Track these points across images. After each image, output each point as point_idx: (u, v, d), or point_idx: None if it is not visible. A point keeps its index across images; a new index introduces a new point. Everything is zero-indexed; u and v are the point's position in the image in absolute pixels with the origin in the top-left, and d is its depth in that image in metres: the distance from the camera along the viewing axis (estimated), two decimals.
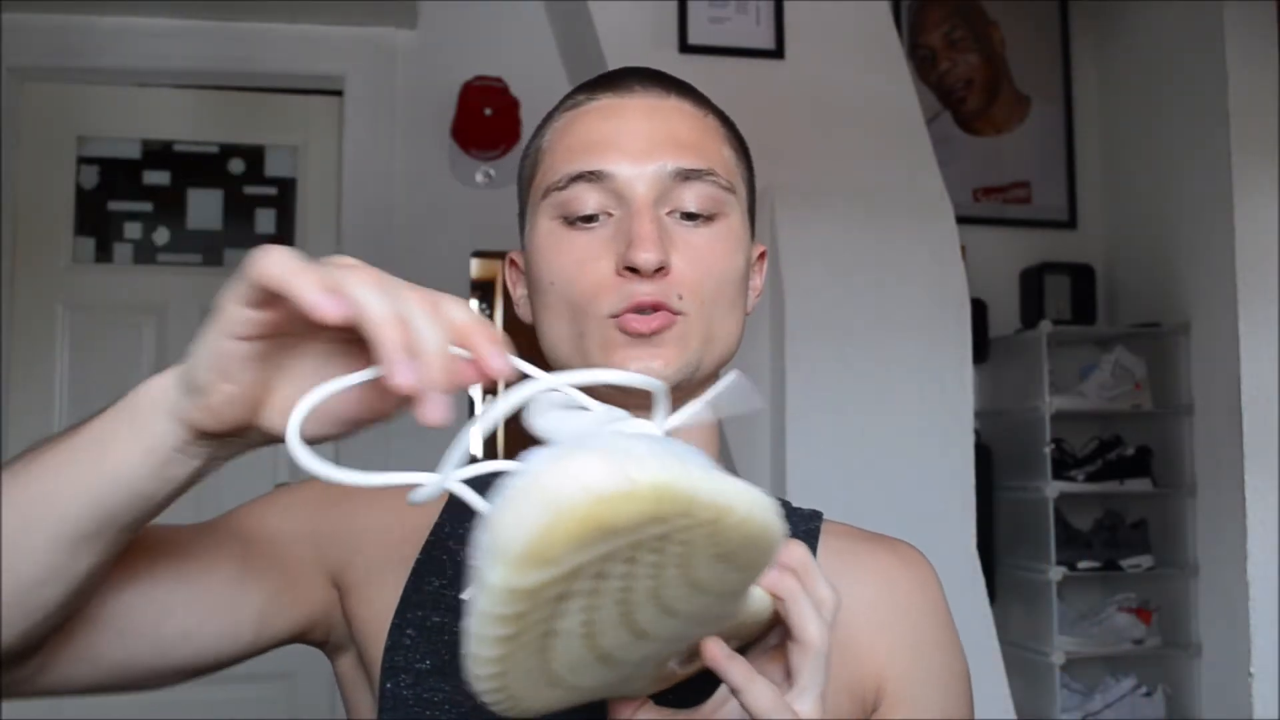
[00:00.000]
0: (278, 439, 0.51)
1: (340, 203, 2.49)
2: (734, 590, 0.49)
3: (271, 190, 2.60)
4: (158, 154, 2.57)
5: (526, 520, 0.36)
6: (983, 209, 2.71)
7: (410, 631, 0.70)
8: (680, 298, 0.67)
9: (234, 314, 0.47)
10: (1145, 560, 2.45)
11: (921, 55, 2.74)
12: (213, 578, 0.66)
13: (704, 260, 0.68)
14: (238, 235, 2.59)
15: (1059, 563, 2.35)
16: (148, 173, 2.57)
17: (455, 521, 0.75)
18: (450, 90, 2.40)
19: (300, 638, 0.73)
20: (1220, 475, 2.29)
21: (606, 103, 0.71)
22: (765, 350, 1.95)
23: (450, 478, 0.44)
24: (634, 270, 0.65)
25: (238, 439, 0.53)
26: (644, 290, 0.65)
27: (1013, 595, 2.52)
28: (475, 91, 2.37)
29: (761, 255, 0.78)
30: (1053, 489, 2.36)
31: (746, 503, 0.41)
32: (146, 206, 2.56)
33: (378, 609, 0.71)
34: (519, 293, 0.76)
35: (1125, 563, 2.44)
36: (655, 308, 0.66)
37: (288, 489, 0.76)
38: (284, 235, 2.59)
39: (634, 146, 0.68)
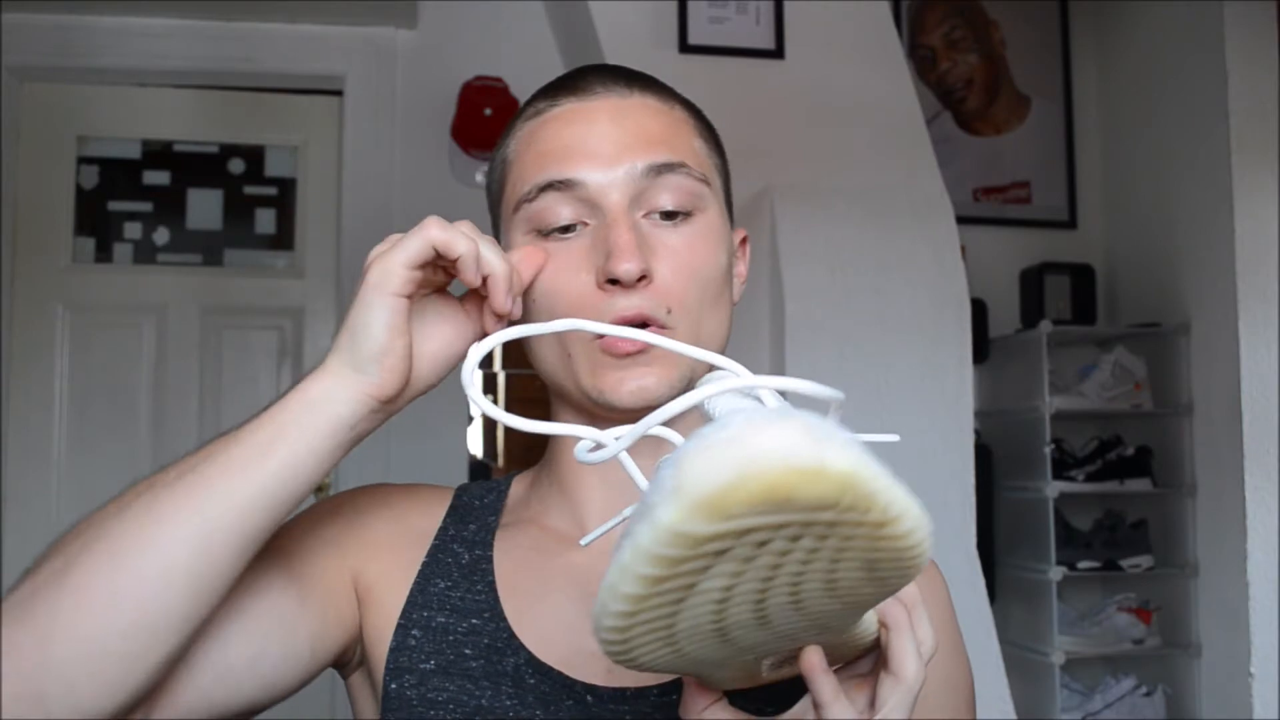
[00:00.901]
0: (424, 391, 0.64)
1: (340, 203, 2.49)
2: (863, 603, 0.48)
3: (271, 190, 2.60)
4: (158, 154, 2.57)
5: (718, 469, 0.36)
6: (983, 209, 2.71)
7: (415, 633, 0.69)
8: (669, 311, 0.66)
9: (401, 274, 0.58)
10: (1145, 560, 2.45)
11: (921, 55, 2.74)
12: (267, 601, 0.65)
13: (686, 263, 0.67)
14: (238, 235, 2.59)
15: (1059, 563, 2.35)
16: (148, 173, 2.57)
17: (458, 525, 0.75)
18: (450, 90, 2.40)
19: (342, 654, 0.72)
20: (1220, 475, 2.29)
21: (569, 108, 0.69)
22: (765, 350, 1.95)
23: (620, 444, 0.47)
24: (615, 282, 0.64)
25: (397, 401, 0.62)
26: (628, 304, 0.64)
27: (1013, 595, 2.52)
28: (475, 91, 2.37)
29: (743, 241, 0.77)
30: (1053, 489, 2.36)
31: (914, 518, 0.41)
32: (146, 206, 2.56)
33: (386, 613, 0.71)
34: None
35: (1125, 563, 2.44)
36: (642, 324, 0.65)
37: (315, 505, 0.75)
38: (284, 235, 2.60)
39: (602, 150, 0.67)
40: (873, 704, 0.52)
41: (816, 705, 0.51)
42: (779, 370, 1.91)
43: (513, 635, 0.69)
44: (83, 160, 2.53)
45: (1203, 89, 2.35)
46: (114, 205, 2.55)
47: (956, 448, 1.92)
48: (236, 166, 2.60)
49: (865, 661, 0.55)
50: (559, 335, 0.67)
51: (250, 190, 2.60)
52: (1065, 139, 2.78)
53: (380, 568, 0.72)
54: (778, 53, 2.12)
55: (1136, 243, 2.64)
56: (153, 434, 2.48)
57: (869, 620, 0.52)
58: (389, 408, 0.61)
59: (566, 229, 0.67)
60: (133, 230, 2.55)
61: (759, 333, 1.94)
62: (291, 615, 0.65)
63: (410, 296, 0.60)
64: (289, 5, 2.42)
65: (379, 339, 0.59)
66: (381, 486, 0.77)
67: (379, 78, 2.50)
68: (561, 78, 0.72)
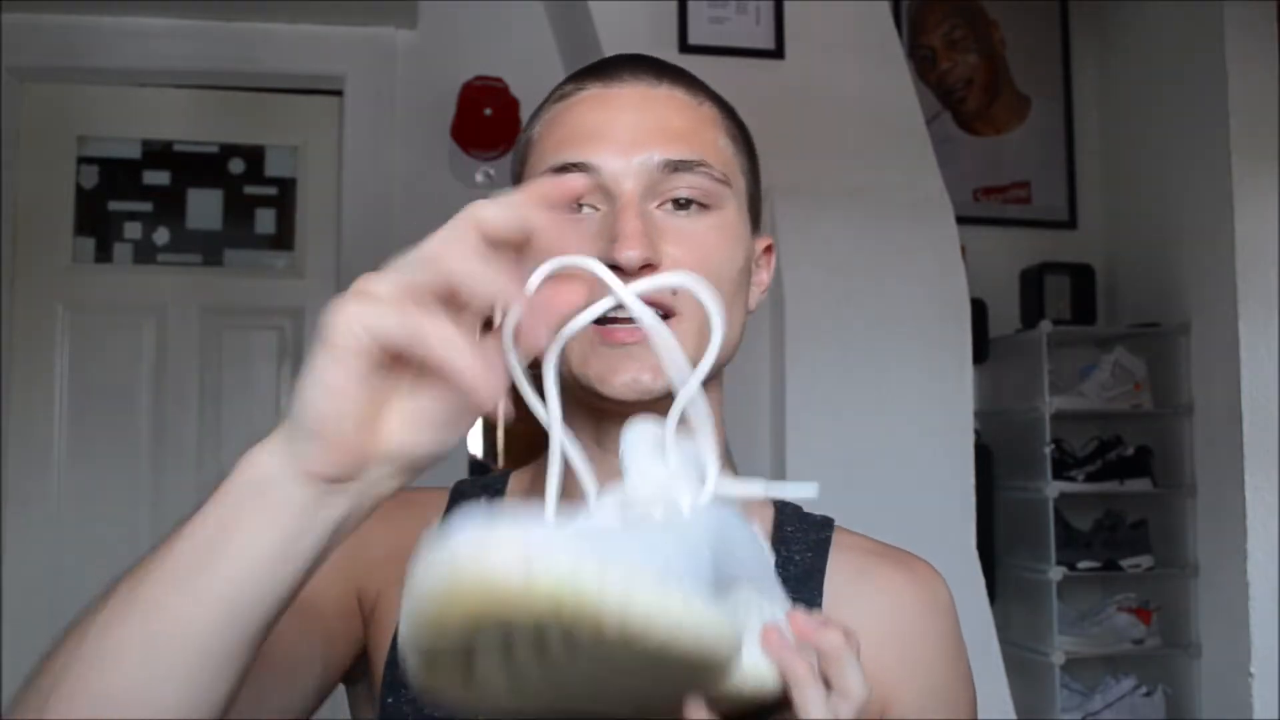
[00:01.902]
0: (412, 465, 0.48)
1: (340, 203, 2.49)
2: (685, 686, 0.45)
3: (271, 190, 2.60)
4: (158, 154, 2.57)
5: (430, 585, 0.36)
6: (983, 209, 2.71)
7: None
8: (674, 293, 0.63)
9: (362, 342, 0.43)
10: (1145, 560, 2.45)
11: (921, 55, 2.74)
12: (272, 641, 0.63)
13: (699, 248, 0.65)
14: (238, 235, 2.59)
15: (1059, 563, 2.35)
16: (148, 173, 2.57)
17: None
18: (450, 90, 2.40)
19: (350, 670, 0.71)
20: (1220, 475, 2.29)
21: (595, 93, 0.68)
22: (765, 350, 1.95)
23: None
24: (616, 269, 0.61)
25: (359, 481, 0.46)
26: None
27: (1013, 595, 2.52)
28: (475, 91, 2.37)
29: (768, 249, 0.75)
30: (1053, 489, 2.36)
31: (673, 617, 0.37)
32: (146, 206, 2.56)
33: (384, 627, 0.70)
34: None
35: (1125, 563, 2.44)
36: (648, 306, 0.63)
37: None
38: (284, 235, 2.59)
39: (622, 138, 0.65)
40: None
41: None
42: (780, 370, 1.91)
43: None
44: (83, 160, 2.53)
45: (1203, 89, 2.35)
46: (114, 205, 2.55)
47: (956, 448, 1.92)
48: (236, 166, 2.59)
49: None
50: None
51: (250, 190, 2.60)
52: (1065, 139, 2.78)
53: (379, 583, 0.70)
54: (778, 53, 2.12)
55: (1136, 243, 2.64)
56: (153, 434, 2.48)
57: (761, 669, 0.48)
58: (357, 487, 0.46)
59: (575, 208, 0.65)
60: (133, 230, 2.55)
61: (759, 333, 1.94)
62: (294, 652, 0.63)
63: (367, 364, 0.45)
64: (289, 5, 2.42)
65: (321, 410, 0.44)
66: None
67: (379, 78, 2.50)
68: (593, 63, 0.72)
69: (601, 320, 0.62)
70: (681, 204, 0.66)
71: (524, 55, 2.46)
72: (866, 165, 2.06)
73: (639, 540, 0.40)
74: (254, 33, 2.47)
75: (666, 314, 0.63)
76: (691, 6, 2.10)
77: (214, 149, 2.59)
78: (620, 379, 0.63)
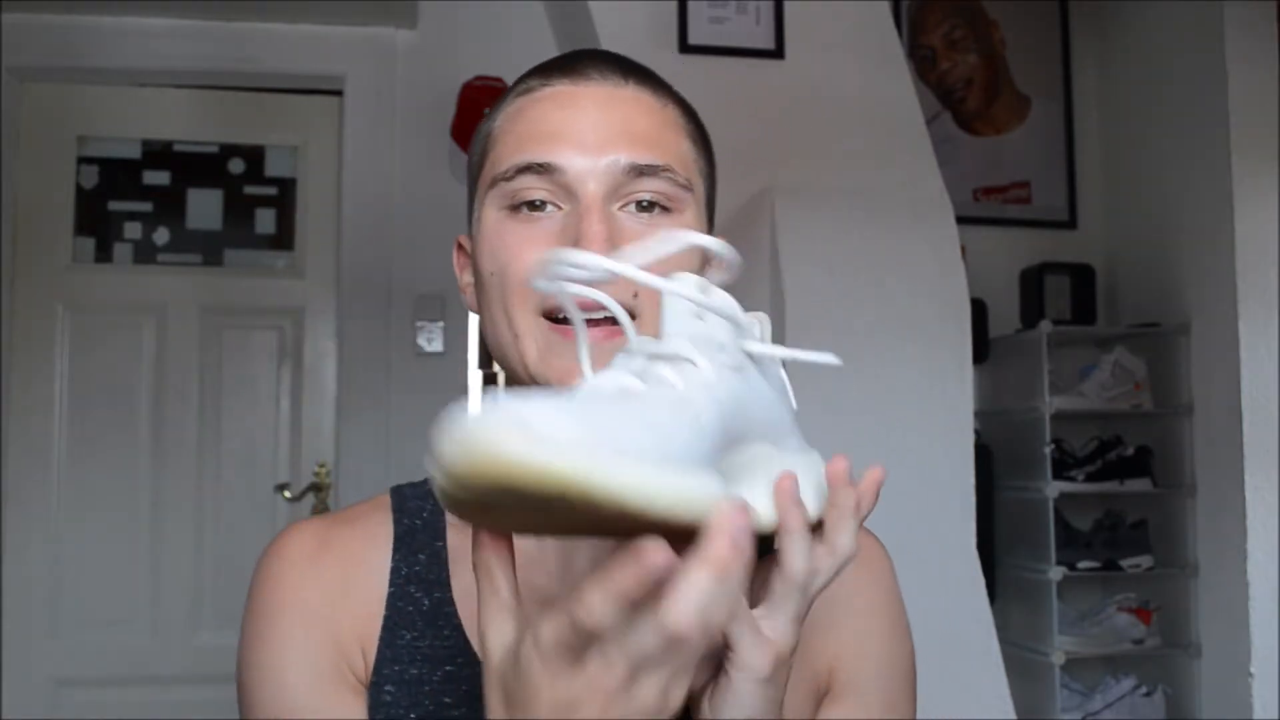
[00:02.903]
0: None
1: (340, 203, 2.49)
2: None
3: (271, 190, 2.60)
4: (158, 154, 2.57)
5: (452, 452, 0.41)
6: (983, 209, 2.71)
7: (389, 688, 0.67)
8: (635, 296, 0.63)
9: None
10: (1145, 560, 2.45)
11: (921, 55, 2.74)
12: None
13: None
14: (238, 235, 2.59)
15: (1059, 563, 2.35)
16: (148, 173, 2.57)
17: (408, 559, 0.70)
18: (450, 90, 2.40)
19: None
20: (1220, 475, 2.29)
21: (560, 89, 0.67)
22: None
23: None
24: None
25: None
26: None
27: (1013, 595, 2.52)
28: (475, 91, 2.37)
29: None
30: (1053, 489, 2.36)
31: (667, 499, 0.42)
32: (146, 206, 2.56)
33: (363, 671, 0.68)
34: (464, 280, 0.74)
35: (1125, 563, 2.44)
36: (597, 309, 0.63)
37: (268, 640, 0.68)
38: (284, 235, 2.60)
39: (586, 138, 0.65)
40: (762, 591, 0.53)
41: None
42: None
43: None
44: (83, 160, 2.53)
45: (1203, 89, 2.35)
46: (114, 205, 2.55)
47: (956, 448, 1.91)
48: (236, 166, 2.60)
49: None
50: (506, 310, 0.66)
51: (250, 190, 2.60)
52: (1065, 139, 2.78)
53: (351, 635, 0.68)
54: (778, 53, 2.12)
55: (1136, 243, 2.64)
56: (153, 434, 2.48)
57: (759, 517, 0.51)
58: None
59: (537, 205, 0.65)
60: (133, 230, 2.55)
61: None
62: None
63: None
64: (289, 5, 2.42)
65: None
66: (303, 552, 0.70)
67: (379, 78, 2.50)
68: (559, 57, 0.70)
69: (556, 319, 0.64)
70: (644, 206, 0.66)
71: (524, 55, 2.43)
72: (866, 165, 2.06)
73: (633, 415, 0.44)
74: (254, 33, 2.47)
75: (616, 325, 0.63)
76: (691, 6, 2.10)
77: (214, 149, 2.59)
78: (577, 381, 0.63)
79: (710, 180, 0.73)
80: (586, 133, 0.65)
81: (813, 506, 0.55)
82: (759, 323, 0.57)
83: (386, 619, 0.68)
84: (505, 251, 0.65)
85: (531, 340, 0.65)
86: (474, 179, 0.71)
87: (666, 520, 0.43)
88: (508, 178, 0.66)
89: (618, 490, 0.41)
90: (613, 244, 0.62)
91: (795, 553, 0.52)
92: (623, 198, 0.65)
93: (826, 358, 0.52)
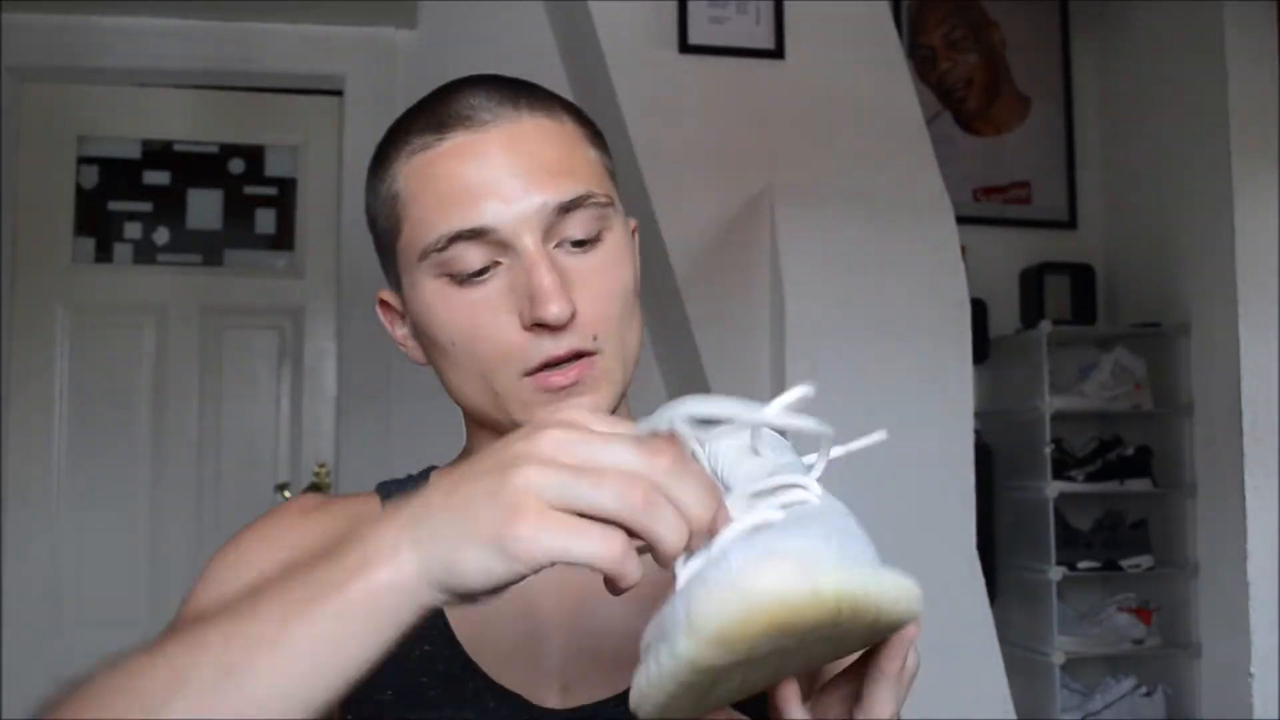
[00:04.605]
0: None
1: (340, 203, 2.49)
2: (862, 641, 0.51)
3: (271, 190, 2.60)
4: (158, 154, 2.57)
5: (723, 611, 0.40)
6: (983, 209, 2.71)
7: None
8: (595, 338, 0.66)
9: (545, 564, 0.45)
10: (1145, 560, 2.45)
11: (921, 55, 2.74)
12: None
13: (604, 289, 0.67)
14: (238, 235, 2.59)
15: (1059, 563, 2.35)
16: (148, 173, 2.57)
17: None
18: None
19: None
20: (1220, 475, 2.29)
21: (461, 141, 0.66)
22: (765, 350, 1.95)
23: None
24: (542, 325, 0.64)
25: None
26: (556, 345, 0.64)
27: (1013, 595, 2.52)
28: None
29: (633, 231, 0.76)
30: (1053, 489, 2.36)
31: (908, 600, 0.44)
32: (146, 206, 2.56)
33: None
34: (400, 333, 0.74)
35: (1125, 563, 2.44)
36: (574, 357, 0.65)
37: (227, 556, 0.71)
38: (284, 235, 2.60)
39: (506, 189, 0.64)
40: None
41: None
42: (780, 371, 1.91)
43: (468, 660, 0.68)
44: (83, 160, 2.53)
45: (1203, 89, 2.35)
46: (114, 205, 2.55)
47: (956, 448, 1.92)
48: (236, 166, 2.59)
49: (844, 684, 0.55)
50: (483, 375, 0.66)
51: (250, 190, 2.60)
52: (1065, 139, 2.78)
53: None
54: (778, 53, 2.12)
55: (1136, 243, 2.64)
56: (153, 434, 2.48)
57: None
58: None
59: (480, 272, 0.65)
60: (133, 230, 2.55)
61: (759, 332, 1.94)
62: None
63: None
64: (289, 5, 2.42)
65: (480, 589, 0.47)
66: (301, 508, 0.74)
67: (379, 78, 2.50)
68: (440, 100, 0.69)
69: (534, 369, 0.65)
70: (577, 243, 0.67)
71: (524, 55, 2.45)
72: (866, 165, 2.06)
73: (840, 530, 0.45)
74: (254, 33, 2.47)
75: (584, 354, 0.66)
76: (691, 6, 2.10)
77: (214, 149, 2.59)
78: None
79: (611, 170, 0.73)
80: (504, 182, 0.65)
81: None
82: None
83: None
84: (463, 323, 0.66)
85: (513, 397, 0.66)
86: (390, 242, 0.70)
87: (904, 619, 0.45)
88: (440, 249, 0.65)
89: (880, 596, 0.42)
90: (566, 292, 0.64)
91: (884, 701, 0.52)
92: (555, 236, 0.66)
93: (875, 438, 0.55)
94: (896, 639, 0.50)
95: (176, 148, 2.58)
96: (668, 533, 0.44)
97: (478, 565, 0.45)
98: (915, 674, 0.53)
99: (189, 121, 2.57)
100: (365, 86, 2.50)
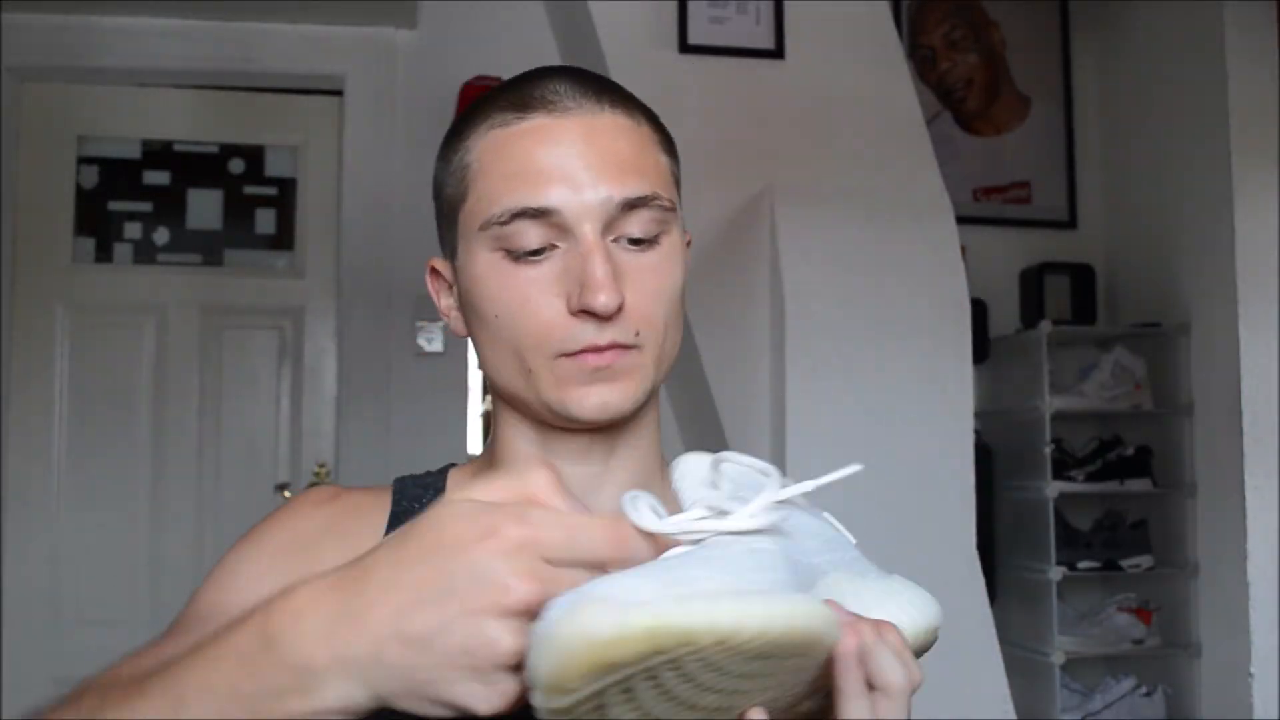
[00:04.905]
0: None
1: (340, 203, 2.49)
2: (803, 670, 0.50)
3: (271, 190, 2.60)
4: (158, 154, 2.57)
5: (543, 661, 0.42)
6: (983, 209, 2.71)
7: None
8: (637, 334, 0.67)
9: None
10: (1145, 560, 2.45)
11: (921, 55, 2.74)
12: None
13: (655, 288, 0.68)
14: (238, 235, 2.59)
15: (1059, 563, 2.35)
16: (148, 173, 2.57)
17: None
18: (450, 90, 2.40)
19: None
20: (1220, 475, 2.29)
21: (540, 123, 0.67)
22: (765, 350, 1.95)
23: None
24: (589, 312, 0.65)
25: None
26: (599, 335, 0.65)
27: (1013, 595, 2.52)
28: (475, 91, 2.37)
29: (687, 244, 0.77)
30: (1053, 489, 2.36)
31: (759, 619, 0.43)
32: (146, 206, 2.56)
33: None
34: (445, 303, 0.75)
35: (1125, 563, 2.44)
36: (611, 348, 0.66)
37: (243, 548, 0.73)
38: (284, 235, 2.60)
39: (576, 176, 0.66)
40: None
41: None
42: (780, 370, 1.91)
43: None
44: (83, 160, 2.53)
45: (1203, 89, 2.35)
46: (114, 205, 2.55)
47: (956, 448, 1.92)
48: (236, 166, 2.60)
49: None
50: (517, 351, 0.68)
51: (250, 190, 2.60)
52: (1065, 139, 2.78)
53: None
54: (778, 53, 2.12)
55: (1136, 243, 2.64)
56: (153, 434, 2.48)
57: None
58: None
59: (536, 251, 0.66)
60: (133, 230, 2.55)
61: (759, 333, 1.94)
62: None
63: None
64: (289, 5, 2.42)
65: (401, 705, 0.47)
66: (316, 499, 0.75)
67: (379, 78, 2.50)
68: (526, 83, 0.70)
69: (574, 353, 0.66)
70: (635, 240, 0.68)
71: (524, 55, 2.44)
72: (866, 165, 2.06)
73: (708, 562, 0.46)
74: (254, 33, 2.47)
75: (624, 348, 0.67)
76: (691, 6, 2.10)
77: (214, 149, 2.59)
78: (592, 401, 0.67)
79: (678, 179, 0.75)
80: (575, 170, 0.66)
81: (920, 625, 0.58)
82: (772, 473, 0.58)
83: None
84: (511, 299, 0.67)
85: (547, 373, 0.67)
86: (452, 210, 0.71)
87: (785, 641, 0.45)
88: (502, 222, 0.66)
89: (709, 623, 0.42)
90: (618, 284, 0.65)
91: (849, 694, 0.50)
92: (615, 230, 0.67)
93: (851, 470, 0.53)
94: (836, 658, 0.49)
95: (176, 148, 2.58)
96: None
97: (474, 695, 0.45)
98: (912, 687, 0.51)
99: (189, 121, 2.57)
100: (365, 86, 2.50)
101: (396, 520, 0.73)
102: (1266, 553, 2.19)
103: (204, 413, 2.50)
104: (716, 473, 0.56)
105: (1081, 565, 2.41)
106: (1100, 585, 2.54)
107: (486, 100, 0.71)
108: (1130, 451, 2.47)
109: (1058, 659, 2.32)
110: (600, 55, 2.08)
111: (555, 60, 2.47)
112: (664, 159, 0.72)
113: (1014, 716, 1.86)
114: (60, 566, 2.42)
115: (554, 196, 0.66)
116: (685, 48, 2.09)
